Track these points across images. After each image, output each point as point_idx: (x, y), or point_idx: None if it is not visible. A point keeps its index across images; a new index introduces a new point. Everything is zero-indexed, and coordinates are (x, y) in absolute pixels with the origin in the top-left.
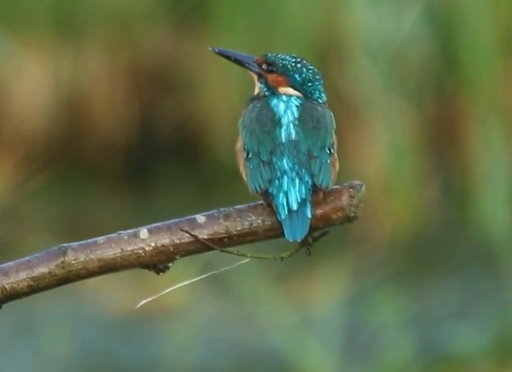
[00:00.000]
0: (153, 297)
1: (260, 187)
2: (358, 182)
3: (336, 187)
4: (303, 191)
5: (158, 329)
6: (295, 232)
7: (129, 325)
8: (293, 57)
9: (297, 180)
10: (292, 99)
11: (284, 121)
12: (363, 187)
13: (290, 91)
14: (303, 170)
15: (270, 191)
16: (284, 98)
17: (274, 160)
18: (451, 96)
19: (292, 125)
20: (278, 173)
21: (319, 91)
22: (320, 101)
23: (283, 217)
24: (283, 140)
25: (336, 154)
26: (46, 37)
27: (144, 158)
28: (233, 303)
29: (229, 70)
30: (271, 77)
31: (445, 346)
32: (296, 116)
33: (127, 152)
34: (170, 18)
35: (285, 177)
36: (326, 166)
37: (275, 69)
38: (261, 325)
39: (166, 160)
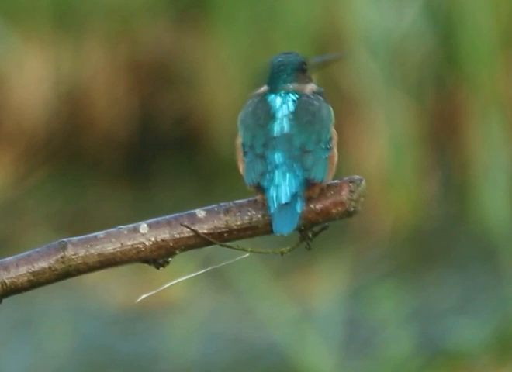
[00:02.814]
0: (153, 292)
1: (254, 181)
2: (358, 177)
3: (336, 181)
4: (294, 185)
5: (158, 324)
6: (282, 227)
7: (129, 319)
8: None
9: (288, 175)
10: (290, 94)
11: (278, 114)
12: (363, 182)
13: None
14: (295, 165)
15: (261, 184)
16: (282, 92)
17: (266, 153)
18: (451, 90)
19: (286, 118)
20: (270, 167)
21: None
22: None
23: (272, 211)
24: (275, 134)
25: (335, 149)
26: (47, 31)
27: (144, 152)
28: (232, 298)
29: (229, 65)
30: None
31: (445, 341)
32: (292, 110)
33: (127, 146)
34: (170, 13)
35: (277, 172)
36: (321, 160)
37: None
38: (261, 320)
39: (166, 154)
